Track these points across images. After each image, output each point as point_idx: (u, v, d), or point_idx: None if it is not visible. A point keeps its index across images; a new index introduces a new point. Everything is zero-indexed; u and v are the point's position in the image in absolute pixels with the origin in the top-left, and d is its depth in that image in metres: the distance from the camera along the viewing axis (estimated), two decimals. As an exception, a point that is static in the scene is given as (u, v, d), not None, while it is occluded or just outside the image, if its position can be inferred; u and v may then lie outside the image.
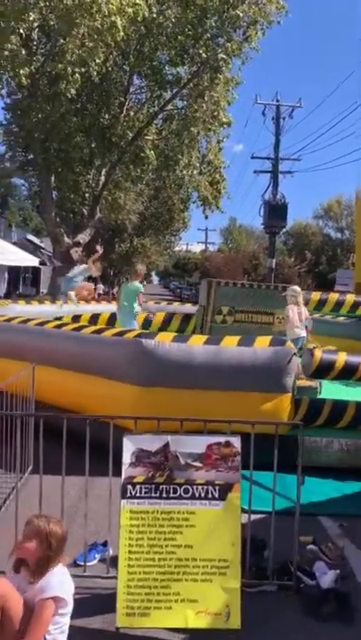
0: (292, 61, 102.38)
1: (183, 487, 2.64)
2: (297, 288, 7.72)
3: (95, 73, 12.95)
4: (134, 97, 17.70)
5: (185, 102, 16.58)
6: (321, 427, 5.06)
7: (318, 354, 6.59)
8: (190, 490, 2.63)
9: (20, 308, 9.97)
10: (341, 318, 10.33)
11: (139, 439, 2.66)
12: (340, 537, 3.82)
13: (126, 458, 2.64)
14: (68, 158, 15.59)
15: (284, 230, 31.58)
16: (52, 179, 16.27)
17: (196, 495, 2.63)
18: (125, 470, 2.63)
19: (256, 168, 26.32)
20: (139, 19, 11.59)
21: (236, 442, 2.70)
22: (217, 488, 2.65)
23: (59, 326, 5.40)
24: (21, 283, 27.36)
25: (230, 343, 4.81)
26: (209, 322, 7.98)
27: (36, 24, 14.17)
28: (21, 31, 12.37)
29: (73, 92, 14.12)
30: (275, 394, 4.76)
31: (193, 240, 70.51)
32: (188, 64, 15.58)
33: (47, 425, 4.26)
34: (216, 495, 2.65)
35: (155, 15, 13.75)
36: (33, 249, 26.81)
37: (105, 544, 3.41)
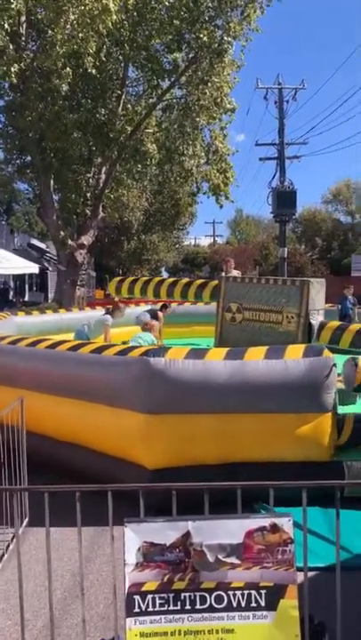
0: (292, 40, 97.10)
1: (215, 594, 1.77)
2: None
3: (90, 65, 12.11)
4: (131, 89, 16.90)
5: (184, 90, 15.74)
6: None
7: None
8: (225, 598, 1.77)
9: (21, 320, 9.29)
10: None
11: (146, 528, 1.79)
12: None
13: (130, 556, 1.76)
14: (66, 157, 14.89)
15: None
16: (52, 180, 15.55)
17: (235, 605, 1.77)
18: (130, 575, 1.78)
19: (260, 156, 25.37)
20: (131, 1, 10.73)
21: (287, 523, 1.83)
22: (263, 593, 1.77)
23: (52, 346, 4.62)
24: (27, 289, 26.65)
25: (256, 356, 3.99)
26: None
27: (23, 18, 13.46)
28: (6, 26, 11.57)
29: (65, 87, 13.37)
30: (313, 414, 3.95)
31: (200, 234, 69.45)
32: (186, 50, 14.74)
33: (44, 457, 3.49)
34: (262, 603, 1.78)
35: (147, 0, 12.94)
36: (37, 254, 26.11)
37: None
